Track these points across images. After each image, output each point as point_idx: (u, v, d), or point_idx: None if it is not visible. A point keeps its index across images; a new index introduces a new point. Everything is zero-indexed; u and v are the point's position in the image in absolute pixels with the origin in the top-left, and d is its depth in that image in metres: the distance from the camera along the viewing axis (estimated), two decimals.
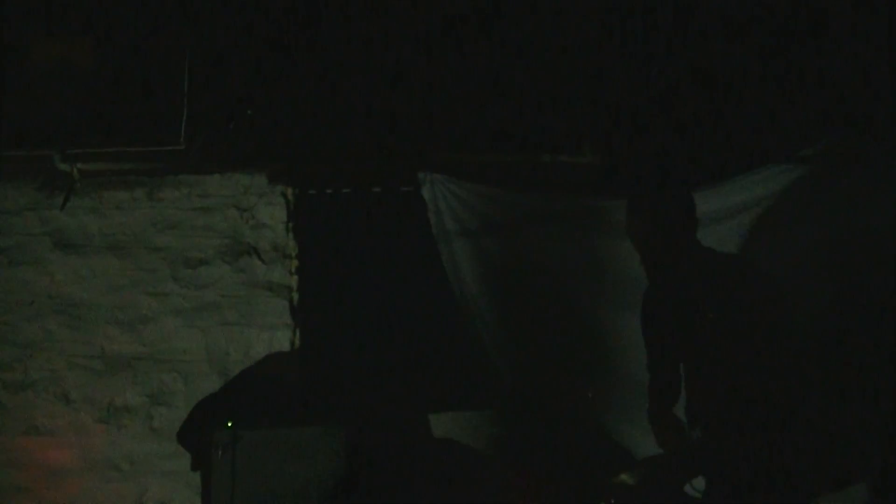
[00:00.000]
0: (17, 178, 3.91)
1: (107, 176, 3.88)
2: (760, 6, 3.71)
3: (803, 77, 3.64)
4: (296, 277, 3.82)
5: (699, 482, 2.83)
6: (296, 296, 3.81)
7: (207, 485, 3.14)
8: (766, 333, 2.72)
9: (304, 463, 3.07)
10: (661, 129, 3.64)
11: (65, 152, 3.84)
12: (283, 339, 3.79)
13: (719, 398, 2.72)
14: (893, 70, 3.43)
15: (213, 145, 3.84)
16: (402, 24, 3.80)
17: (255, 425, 3.09)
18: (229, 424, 2.84)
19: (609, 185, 3.62)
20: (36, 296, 3.92)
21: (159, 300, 3.89)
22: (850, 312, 3.23)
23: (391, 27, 3.80)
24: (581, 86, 3.76)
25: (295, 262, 3.83)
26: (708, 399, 2.75)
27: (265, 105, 3.75)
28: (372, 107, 3.71)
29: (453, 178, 3.60)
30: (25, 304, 3.89)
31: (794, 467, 2.68)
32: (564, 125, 3.74)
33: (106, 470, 3.87)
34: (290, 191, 3.87)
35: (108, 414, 3.89)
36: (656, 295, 2.85)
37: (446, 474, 3.40)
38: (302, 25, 3.84)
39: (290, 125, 3.76)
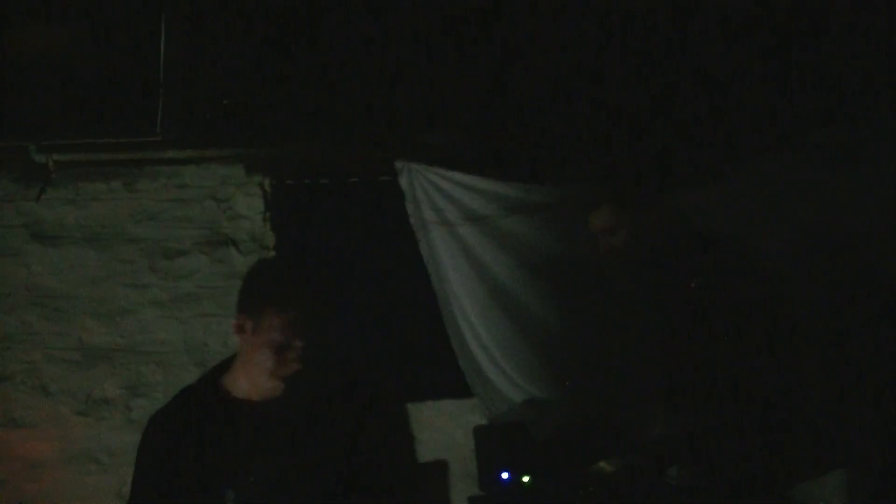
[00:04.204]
0: None
1: (83, 167, 3.86)
2: (760, 6, 3.71)
3: (803, 77, 3.65)
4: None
5: (674, 470, 2.84)
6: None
7: None
8: (762, 323, 2.73)
9: None
10: (661, 130, 3.64)
11: (41, 143, 3.81)
12: None
13: (708, 390, 2.73)
14: (894, 69, 3.44)
15: (189, 136, 3.83)
16: (384, 15, 3.79)
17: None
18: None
19: (589, 177, 3.62)
20: (13, 288, 3.90)
21: (137, 291, 3.88)
22: (850, 311, 3.24)
23: (371, 19, 3.79)
24: (581, 85, 3.77)
25: (273, 253, 3.83)
26: (694, 390, 2.76)
27: (242, 95, 3.74)
28: (350, 96, 3.70)
29: (431, 167, 3.59)
30: (2, 296, 3.88)
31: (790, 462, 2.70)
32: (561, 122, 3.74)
33: (85, 462, 3.87)
34: (267, 181, 3.86)
35: (86, 406, 3.88)
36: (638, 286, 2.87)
37: None
38: (281, 17, 3.84)
39: (268, 115, 3.75)
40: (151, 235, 3.88)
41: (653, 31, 3.74)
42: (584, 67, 3.75)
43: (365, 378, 3.00)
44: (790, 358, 2.77)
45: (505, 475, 3.43)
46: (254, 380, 2.55)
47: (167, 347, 3.85)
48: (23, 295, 3.90)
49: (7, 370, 3.87)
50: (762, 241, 3.18)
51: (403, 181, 3.61)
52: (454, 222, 3.59)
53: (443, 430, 3.83)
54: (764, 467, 2.69)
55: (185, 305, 3.85)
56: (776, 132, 3.55)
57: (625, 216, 2.85)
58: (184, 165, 3.84)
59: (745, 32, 3.70)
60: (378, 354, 3.75)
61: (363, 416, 2.73)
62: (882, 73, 3.47)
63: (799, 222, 3.29)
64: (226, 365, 2.63)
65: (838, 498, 3.16)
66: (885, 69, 3.46)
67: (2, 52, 3.87)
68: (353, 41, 3.67)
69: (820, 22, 3.64)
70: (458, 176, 3.59)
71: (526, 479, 3.41)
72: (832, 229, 3.25)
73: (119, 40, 3.79)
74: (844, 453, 3.13)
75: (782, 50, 3.67)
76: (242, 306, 2.57)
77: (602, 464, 3.14)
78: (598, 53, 3.76)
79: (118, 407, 3.88)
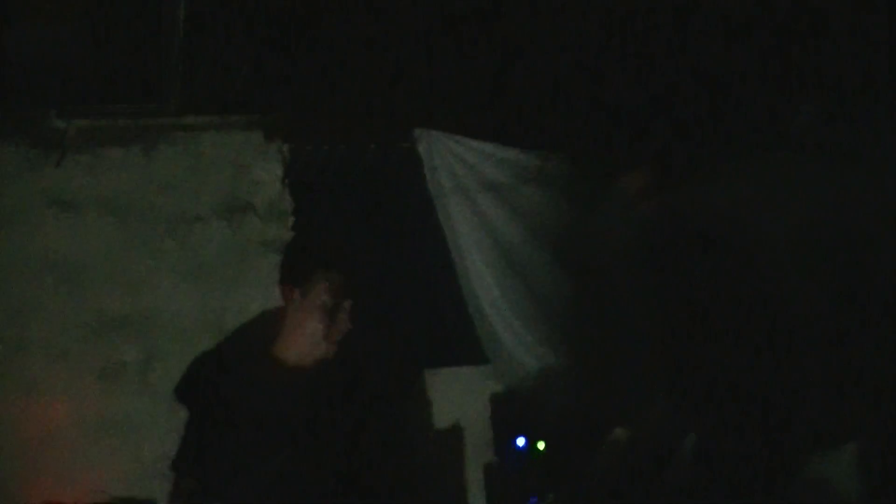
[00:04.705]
0: (10, 137, 3.90)
1: (102, 134, 3.88)
2: (761, 6, 3.71)
3: (803, 77, 3.65)
4: (292, 234, 3.82)
5: (691, 438, 2.86)
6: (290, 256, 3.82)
7: None
8: (762, 323, 2.73)
9: None
10: (661, 130, 3.65)
11: (60, 109, 3.83)
12: (278, 297, 3.79)
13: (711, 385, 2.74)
14: (894, 69, 3.44)
15: (208, 101, 3.84)
16: None
17: None
18: None
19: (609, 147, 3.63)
20: (30, 255, 3.91)
21: (155, 259, 3.89)
22: (850, 310, 3.24)
23: None
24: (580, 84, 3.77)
25: (291, 220, 3.84)
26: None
27: (261, 60, 3.74)
28: (370, 62, 3.70)
29: (450, 134, 3.61)
30: (20, 263, 3.89)
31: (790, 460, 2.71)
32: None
33: (102, 429, 3.88)
34: (286, 147, 3.87)
35: (103, 373, 3.89)
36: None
37: None
38: None
39: (287, 81, 3.76)
40: (170, 202, 3.89)
41: (653, 31, 3.74)
42: (584, 67, 3.76)
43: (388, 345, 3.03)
44: (790, 358, 2.77)
45: (521, 442, 3.46)
46: (307, 346, 2.58)
47: (184, 315, 3.86)
48: (40, 262, 3.91)
49: (24, 337, 3.89)
50: (762, 241, 3.19)
51: (422, 148, 3.62)
52: (472, 190, 3.61)
53: (459, 396, 3.84)
54: (764, 467, 2.69)
55: (202, 272, 3.86)
56: (776, 132, 3.56)
57: (662, 182, 2.84)
58: (202, 132, 3.84)
59: (746, 32, 3.70)
60: (395, 321, 3.78)
61: (393, 381, 2.77)
62: (882, 73, 3.47)
63: (799, 222, 3.30)
64: (268, 333, 2.66)
65: (848, 472, 3.17)
66: (885, 69, 3.46)
67: (19, 20, 3.87)
68: (376, 4, 3.65)
69: (820, 22, 3.64)
70: (476, 143, 3.61)
71: (541, 445, 3.44)
72: (832, 229, 3.25)
73: (137, 5, 3.79)
74: (856, 427, 3.14)
75: (782, 50, 3.68)
76: (288, 274, 2.61)
77: (618, 430, 3.16)
78: (598, 53, 3.76)
79: (135, 374, 3.89)
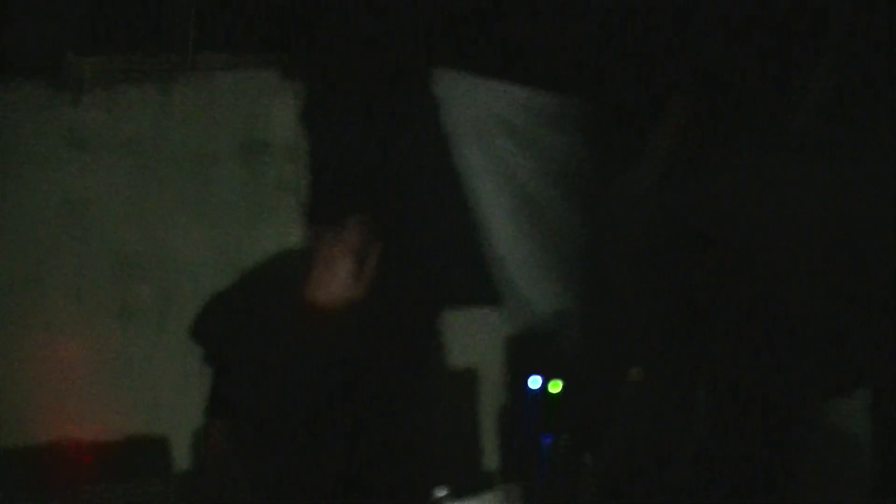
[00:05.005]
0: (27, 75, 3.89)
1: (120, 73, 3.86)
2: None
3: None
4: (312, 175, 3.81)
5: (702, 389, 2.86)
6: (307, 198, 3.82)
7: None
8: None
9: None
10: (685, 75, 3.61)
11: (76, 48, 3.81)
12: (293, 237, 3.80)
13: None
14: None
15: (224, 40, 3.82)
16: None
17: None
18: None
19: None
20: (46, 195, 3.92)
21: (171, 198, 3.89)
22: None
23: None
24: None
25: (308, 160, 3.82)
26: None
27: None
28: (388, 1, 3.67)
29: (468, 74, 3.58)
30: (36, 203, 3.89)
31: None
32: None
33: (117, 368, 3.90)
34: (302, 86, 3.84)
35: (119, 313, 3.91)
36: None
37: None
38: None
39: (304, 18, 3.73)
40: (186, 142, 3.88)
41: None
42: (584, 67, 3.72)
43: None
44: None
45: (535, 383, 3.47)
46: (338, 288, 2.59)
47: (201, 255, 3.87)
48: (55, 202, 3.92)
49: (40, 278, 3.90)
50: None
51: (439, 88, 3.59)
52: (489, 131, 3.59)
53: (472, 339, 3.85)
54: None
55: (219, 213, 3.86)
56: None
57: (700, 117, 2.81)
58: (218, 70, 3.83)
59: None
60: (408, 262, 3.77)
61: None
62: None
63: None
64: (288, 274, 2.67)
65: (861, 419, 3.18)
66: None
67: None
68: None
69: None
70: (495, 85, 3.57)
71: (554, 387, 3.45)
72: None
73: None
74: (869, 374, 3.15)
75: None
76: (317, 216, 2.60)
77: (633, 371, 3.17)
78: (597, 53, 3.72)
79: (150, 314, 3.91)
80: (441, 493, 2.57)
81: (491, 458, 3.69)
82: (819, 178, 3.22)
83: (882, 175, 3.18)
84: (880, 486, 2.99)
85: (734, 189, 3.28)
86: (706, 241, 2.82)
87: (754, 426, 2.63)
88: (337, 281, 2.64)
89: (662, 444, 2.92)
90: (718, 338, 2.71)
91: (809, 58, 3.51)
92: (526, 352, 3.51)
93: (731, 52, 3.44)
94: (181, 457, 3.80)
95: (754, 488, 2.64)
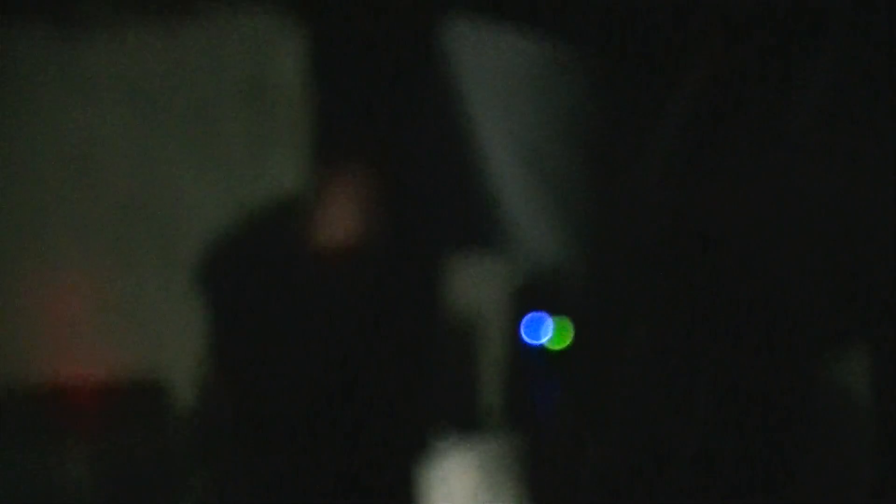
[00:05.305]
0: (28, 18, 3.87)
1: (121, 14, 3.84)
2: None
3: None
4: (313, 121, 3.80)
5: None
6: (313, 140, 3.81)
7: None
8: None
9: None
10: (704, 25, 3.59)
11: None
12: (301, 182, 3.78)
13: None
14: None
15: None
16: None
17: None
18: None
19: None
20: (47, 141, 3.91)
21: (173, 145, 3.88)
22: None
23: None
24: None
25: (315, 104, 3.81)
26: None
27: None
28: None
29: (476, 22, 3.56)
30: (36, 149, 3.89)
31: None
32: None
33: (118, 314, 3.91)
34: (309, 31, 3.82)
35: (122, 258, 3.92)
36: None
37: None
38: None
39: None
40: (190, 85, 3.86)
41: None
42: (597, 17, 3.69)
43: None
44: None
45: (538, 333, 3.48)
46: (339, 233, 2.58)
47: (205, 199, 3.86)
48: (56, 148, 3.91)
49: (44, 222, 3.91)
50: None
51: (449, 36, 3.58)
52: (494, 78, 3.58)
53: (474, 286, 3.86)
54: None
55: (223, 157, 3.85)
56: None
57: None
58: (226, 13, 3.80)
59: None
60: (408, 208, 3.77)
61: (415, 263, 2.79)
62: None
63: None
64: (293, 220, 2.67)
65: (859, 374, 3.20)
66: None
67: None
68: None
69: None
70: (504, 32, 3.56)
71: (560, 337, 3.47)
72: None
73: None
74: (868, 330, 3.16)
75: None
76: (323, 159, 2.59)
77: (634, 326, 3.18)
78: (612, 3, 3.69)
79: (154, 261, 3.92)
80: (437, 439, 2.58)
81: (489, 408, 3.71)
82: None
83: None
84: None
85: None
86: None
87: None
88: (339, 224, 2.64)
89: (667, 403, 2.94)
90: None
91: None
92: (527, 300, 3.52)
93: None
94: (183, 401, 3.82)
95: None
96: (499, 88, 3.61)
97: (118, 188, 3.88)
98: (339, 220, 2.66)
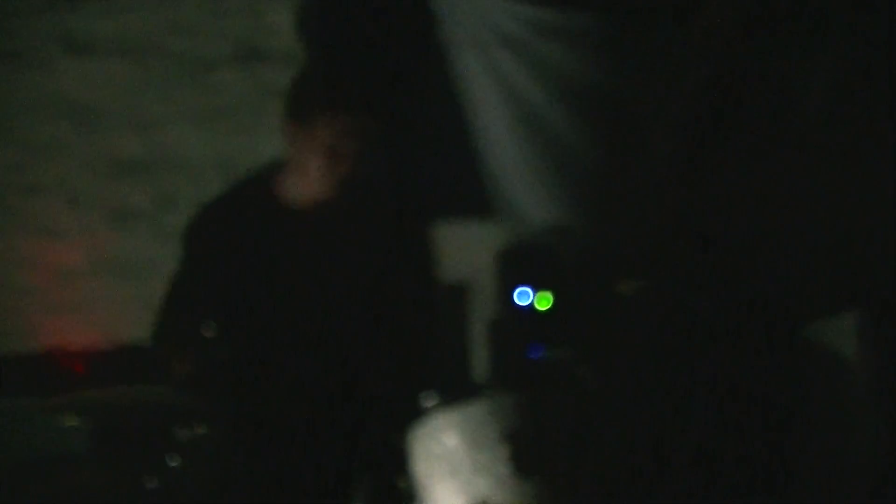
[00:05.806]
0: None
1: None
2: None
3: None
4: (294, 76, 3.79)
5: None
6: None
7: None
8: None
9: None
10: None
11: None
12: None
13: None
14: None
15: None
16: None
17: None
18: None
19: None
20: (44, 99, 3.92)
21: (169, 105, 3.90)
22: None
23: None
24: None
25: (305, 65, 3.81)
26: None
27: None
28: None
29: None
30: (33, 107, 3.89)
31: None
32: None
33: (113, 273, 3.94)
34: None
35: (116, 217, 3.93)
36: None
37: None
38: None
39: None
40: (186, 48, 3.88)
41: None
42: None
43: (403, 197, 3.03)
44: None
45: (525, 297, 3.50)
46: (310, 188, 2.56)
47: (199, 161, 3.88)
48: (54, 106, 3.92)
49: (37, 181, 3.91)
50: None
51: None
52: (488, 43, 3.57)
53: (465, 252, 3.87)
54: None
55: (217, 118, 3.87)
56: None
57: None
58: None
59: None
60: (399, 173, 3.77)
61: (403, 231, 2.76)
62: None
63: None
64: (274, 172, 2.64)
65: (849, 339, 3.21)
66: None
67: None
68: None
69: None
70: None
71: (547, 301, 3.48)
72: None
73: None
74: (856, 295, 3.17)
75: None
76: (293, 112, 2.55)
77: (624, 284, 3.19)
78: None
79: (148, 219, 3.93)
80: (430, 402, 2.59)
81: (481, 370, 3.74)
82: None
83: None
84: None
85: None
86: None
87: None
88: (306, 181, 2.60)
89: (655, 361, 2.96)
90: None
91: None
92: (518, 264, 3.54)
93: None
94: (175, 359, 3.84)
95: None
96: (490, 53, 3.61)
97: (113, 149, 3.89)
98: (321, 178, 2.63)
